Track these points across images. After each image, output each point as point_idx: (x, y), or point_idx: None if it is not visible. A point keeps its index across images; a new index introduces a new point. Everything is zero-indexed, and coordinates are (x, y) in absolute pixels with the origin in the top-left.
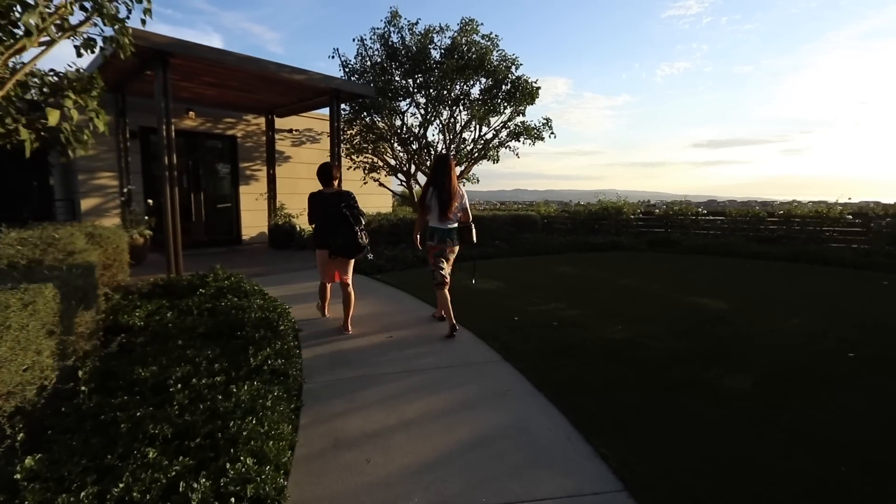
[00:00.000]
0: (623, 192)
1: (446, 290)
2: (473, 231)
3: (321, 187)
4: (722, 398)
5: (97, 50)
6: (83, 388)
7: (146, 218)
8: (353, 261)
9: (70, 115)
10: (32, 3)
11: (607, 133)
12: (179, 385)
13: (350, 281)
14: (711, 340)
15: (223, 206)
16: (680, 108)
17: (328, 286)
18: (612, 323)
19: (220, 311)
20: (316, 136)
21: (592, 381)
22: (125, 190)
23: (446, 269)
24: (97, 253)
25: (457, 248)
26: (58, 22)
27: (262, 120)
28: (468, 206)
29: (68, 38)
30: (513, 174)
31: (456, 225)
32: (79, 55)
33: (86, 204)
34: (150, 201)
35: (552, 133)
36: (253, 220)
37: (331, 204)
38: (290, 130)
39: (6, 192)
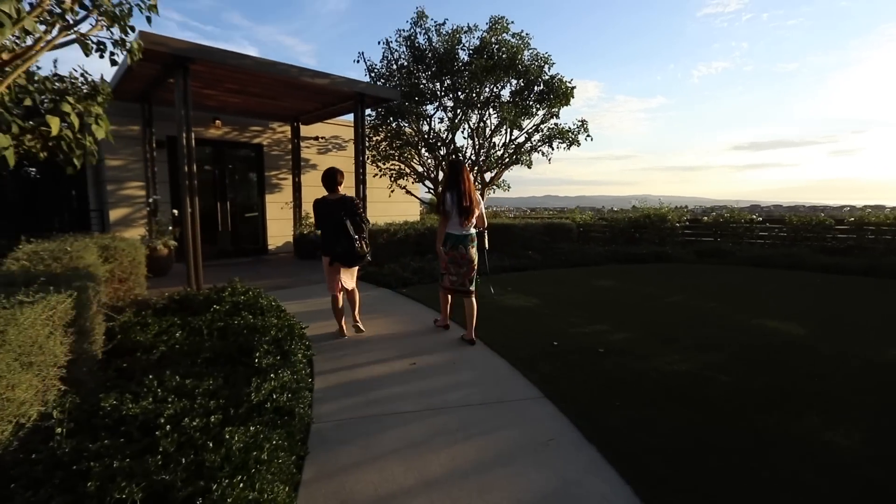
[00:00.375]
0: (659, 197)
1: (449, 296)
2: (486, 238)
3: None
4: (826, 461)
5: (106, 54)
6: (58, 429)
7: (170, 228)
8: (355, 269)
9: (71, 122)
10: None
11: (641, 137)
12: (168, 427)
13: (353, 287)
14: (794, 376)
15: (249, 215)
16: (719, 110)
17: (339, 297)
18: (668, 350)
19: (231, 330)
20: (342, 143)
21: (656, 430)
22: (150, 200)
23: (465, 277)
24: (106, 268)
25: (474, 253)
26: (46, 17)
27: (287, 128)
28: (483, 212)
29: (65, 37)
30: (543, 180)
31: (473, 231)
32: (86, 54)
33: (114, 214)
34: (175, 211)
35: (588, 136)
36: (279, 230)
37: (333, 211)
38: (316, 138)
39: (42, 203)
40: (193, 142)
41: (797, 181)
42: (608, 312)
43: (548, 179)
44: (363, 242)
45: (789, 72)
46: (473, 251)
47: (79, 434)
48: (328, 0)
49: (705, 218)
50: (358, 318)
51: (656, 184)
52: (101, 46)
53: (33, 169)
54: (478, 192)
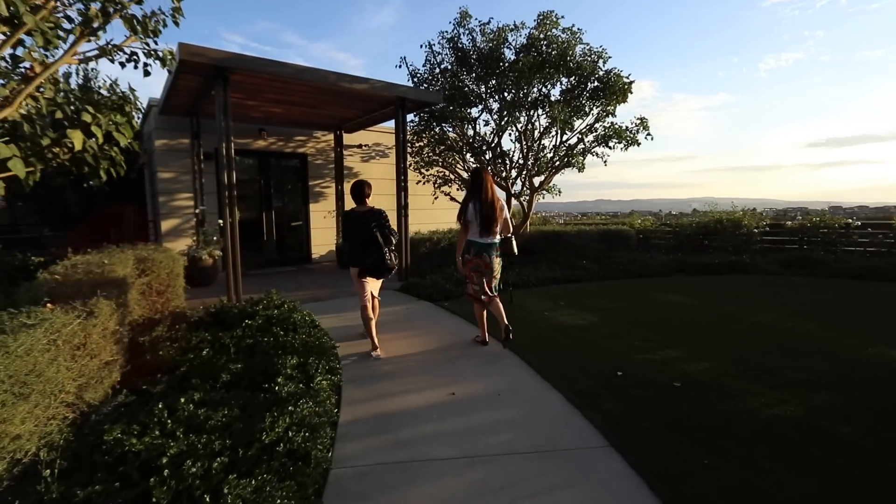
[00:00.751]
0: (722, 199)
1: (481, 305)
2: (514, 242)
3: (354, 205)
4: None
5: (140, 65)
6: (45, 472)
7: (216, 238)
8: (381, 280)
9: (94, 133)
10: None
11: (702, 136)
12: (167, 471)
13: (377, 294)
14: None
15: (294, 224)
16: (790, 105)
17: (369, 306)
18: (763, 386)
19: (259, 349)
20: (385, 150)
21: None
22: (197, 211)
23: (485, 285)
24: (142, 281)
25: (497, 262)
26: (59, 20)
27: (330, 136)
28: (508, 217)
29: (87, 42)
30: (595, 183)
31: (497, 239)
32: (111, 61)
33: (165, 225)
34: (220, 222)
35: (648, 134)
36: (322, 238)
37: (362, 223)
38: (360, 146)
39: (100, 215)
40: (233, 152)
41: (885, 179)
42: (681, 335)
43: (600, 183)
44: (392, 255)
45: (874, 59)
46: (497, 260)
47: (76, 472)
48: (376, 15)
49: (789, 223)
50: (378, 348)
51: (719, 185)
52: (135, 57)
53: (92, 182)
54: (502, 199)
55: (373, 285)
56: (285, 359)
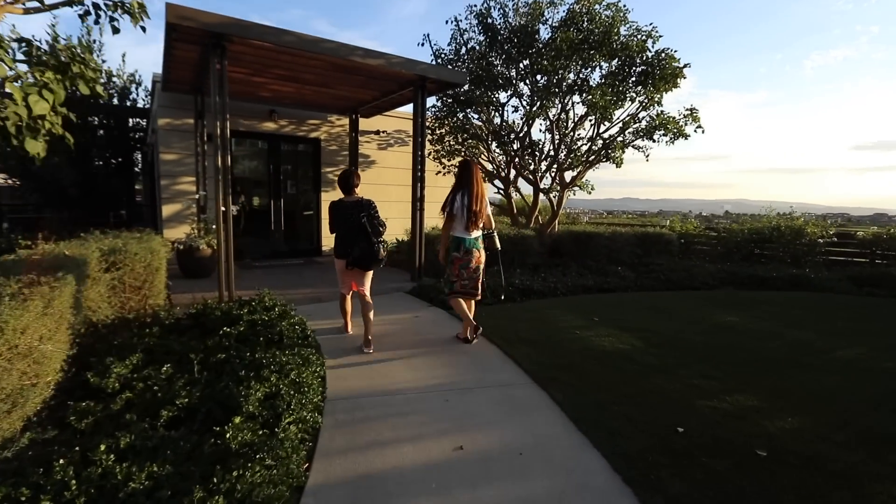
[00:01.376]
0: (756, 202)
1: (462, 301)
2: (497, 239)
3: (342, 195)
4: None
5: (93, 18)
6: None
7: (215, 227)
8: (370, 272)
9: (15, 100)
10: None
11: (738, 135)
12: None
13: (368, 292)
14: None
15: (307, 213)
16: (836, 104)
17: (348, 298)
18: (887, 464)
19: (229, 368)
20: (405, 138)
21: None
22: (197, 196)
23: (476, 280)
24: (108, 277)
25: (483, 257)
26: None
27: (345, 121)
28: (490, 213)
29: None
30: (621, 181)
31: (481, 234)
32: (82, 21)
33: (167, 210)
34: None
35: (699, 126)
36: None
37: (350, 213)
38: (378, 132)
39: (98, 197)
40: (240, 134)
41: None
42: (750, 371)
43: (626, 180)
44: (380, 245)
45: None
46: (482, 254)
47: None
48: (407, 4)
49: (860, 232)
50: (370, 337)
51: (755, 187)
52: (100, 10)
53: (100, 162)
54: (486, 195)
55: (361, 279)
56: (252, 388)
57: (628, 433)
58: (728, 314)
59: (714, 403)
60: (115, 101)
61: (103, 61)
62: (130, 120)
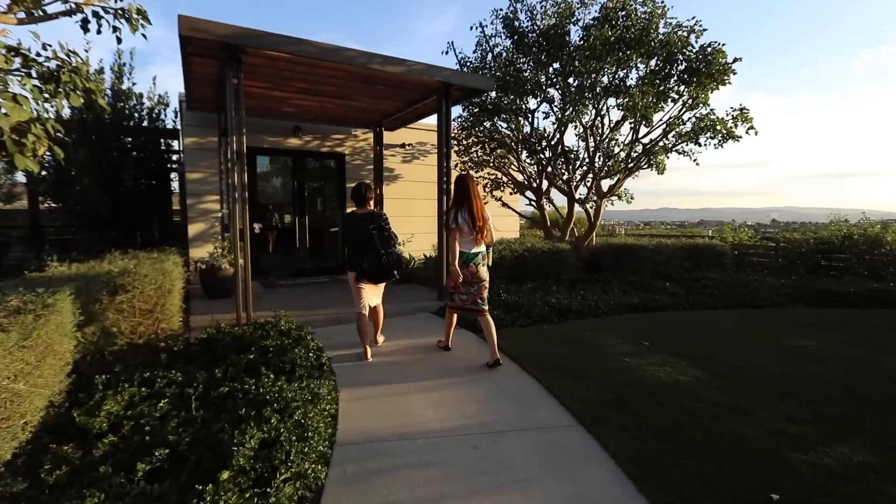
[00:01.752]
0: (804, 209)
1: (454, 312)
2: (490, 254)
3: (354, 208)
4: None
5: (97, 25)
6: None
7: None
8: (382, 286)
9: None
10: None
11: (780, 140)
12: None
13: (378, 303)
14: None
15: (330, 231)
16: (890, 104)
17: (366, 317)
18: None
19: (231, 404)
20: (430, 149)
21: None
22: (221, 214)
23: (475, 295)
24: (121, 298)
25: (485, 273)
26: None
27: (370, 134)
28: (492, 227)
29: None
30: (658, 190)
31: (483, 250)
32: (84, 31)
33: (193, 229)
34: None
35: (751, 128)
36: None
37: (361, 225)
38: (403, 145)
39: (128, 217)
40: (245, 147)
41: None
42: (848, 412)
43: (663, 190)
44: (390, 258)
45: None
46: (485, 269)
47: None
48: (433, 23)
49: None
50: (379, 335)
51: (802, 194)
52: (98, 18)
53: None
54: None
55: (373, 293)
56: (248, 433)
57: (706, 499)
58: (803, 337)
59: (812, 458)
60: (146, 122)
61: (151, 88)
62: (162, 141)
